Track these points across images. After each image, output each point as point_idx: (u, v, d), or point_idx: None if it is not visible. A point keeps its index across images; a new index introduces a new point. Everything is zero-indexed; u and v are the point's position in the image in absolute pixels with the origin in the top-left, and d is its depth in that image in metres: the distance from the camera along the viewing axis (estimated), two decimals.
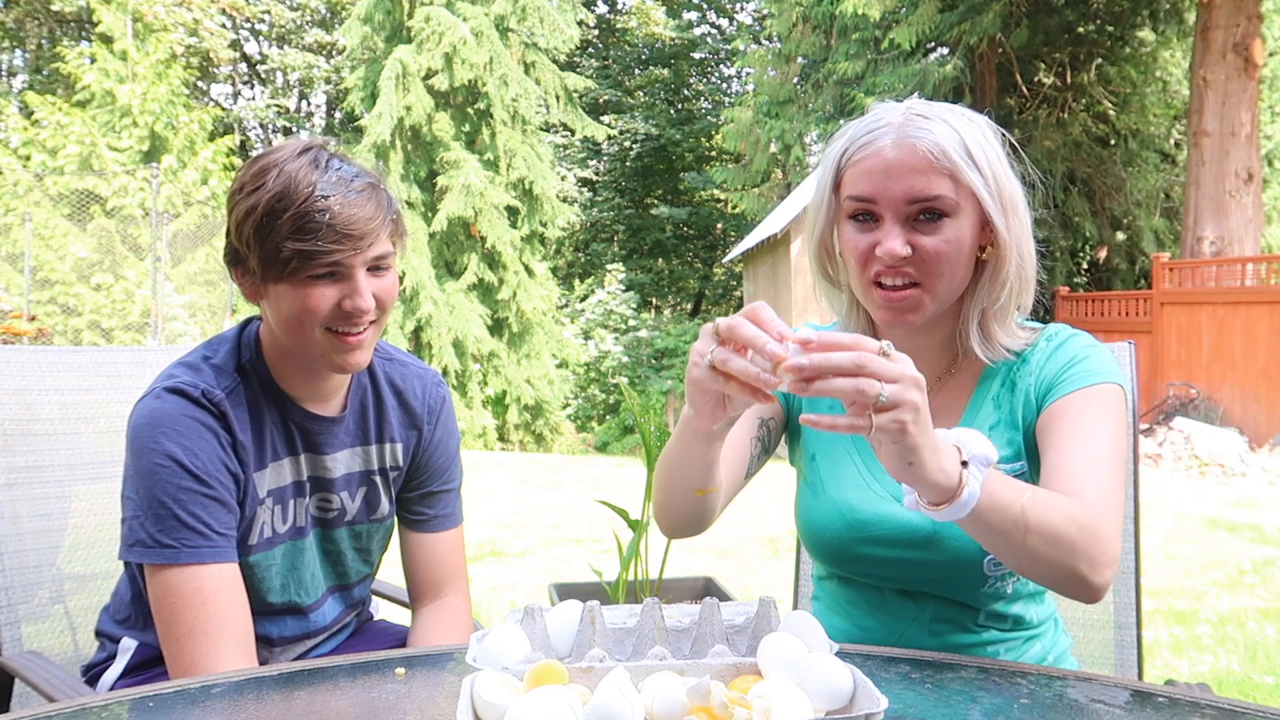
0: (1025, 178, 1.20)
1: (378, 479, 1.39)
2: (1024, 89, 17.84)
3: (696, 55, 29.07)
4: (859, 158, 1.14)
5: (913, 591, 1.24)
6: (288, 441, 1.30)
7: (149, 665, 1.32)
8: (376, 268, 1.22)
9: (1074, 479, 1.06)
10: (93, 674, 1.36)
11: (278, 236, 1.16)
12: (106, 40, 16.74)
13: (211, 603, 1.16)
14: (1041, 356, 1.21)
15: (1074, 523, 0.98)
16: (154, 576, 1.17)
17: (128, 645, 1.33)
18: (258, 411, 1.26)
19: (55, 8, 21.15)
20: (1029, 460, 1.20)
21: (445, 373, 15.93)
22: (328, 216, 1.15)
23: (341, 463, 1.35)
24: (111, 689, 1.31)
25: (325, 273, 1.18)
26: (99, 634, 1.40)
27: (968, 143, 1.12)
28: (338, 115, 26.24)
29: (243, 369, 1.27)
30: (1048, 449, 1.13)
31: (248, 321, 1.33)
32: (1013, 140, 1.20)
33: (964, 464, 0.91)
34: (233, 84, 28.03)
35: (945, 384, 1.26)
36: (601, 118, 23.65)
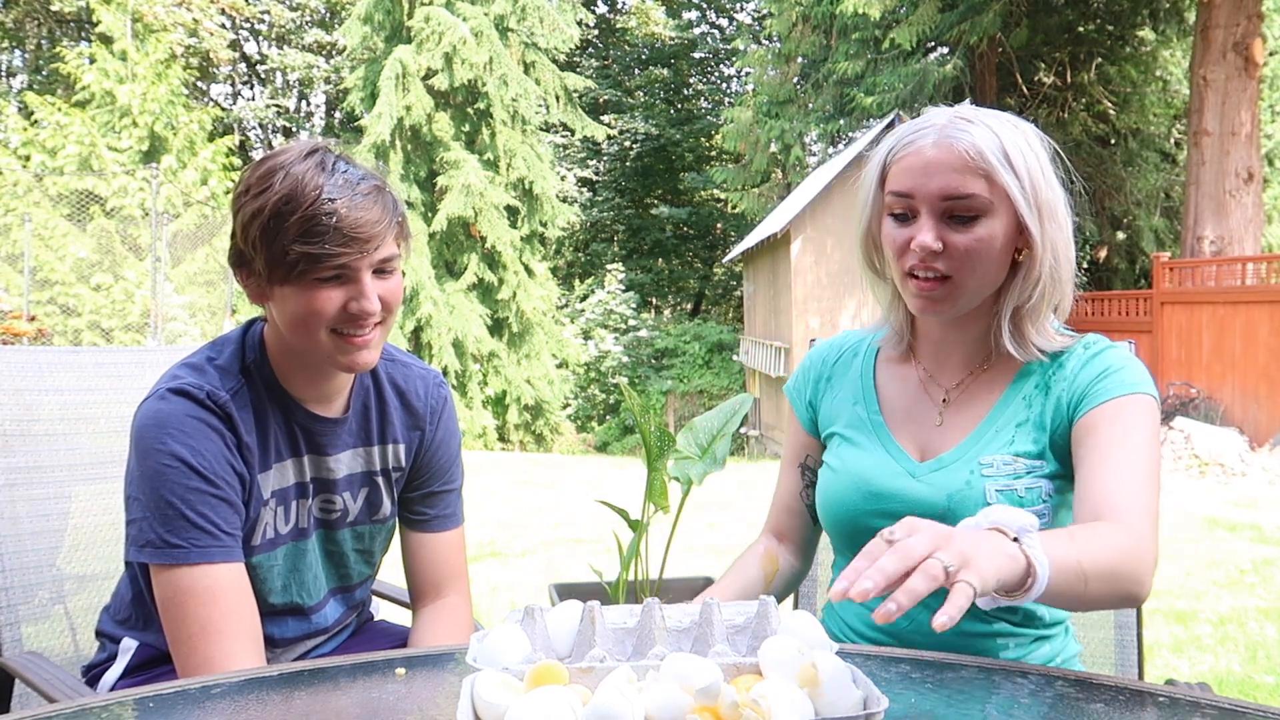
0: (1070, 185, 1.23)
1: (380, 480, 1.39)
2: (1024, 89, 17.85)
3: (696, 55, 29.08)
4: (901, 155, 1.20)
5: None
6: (291, 443, 1.30)
7: (149, 665, 1.32)
8: (382, 270, 1.22)
9: (1110, 492, 1.10)
10: (93, 674, 1.36)
11: (284, 239, 1.14)
12: (106, 40, 16.75)
13: (223, 601, 1.16)
14: (1077, 364, 1.23)
15: (1119, 550, 1.02)
16: (162, 576, 1.17)
17: (128, 645, 1.33)
18: (262, 413, 1.26)
19: (55, 8, 21.15)
20: (1053, 462, 1.22)
21: (445, 373, 15.94)
22: (335, 220, 1.15)
23: (344, 464, 1.35)
24: (112, 689, 1.31)
25: (332, 275, 1.17)
26: (99, 634, 1.40)
27: (1006, 146, 1.16)
28: (338, 115, 26.25)
29: (247, 370, 1.27)
30: (1083, 459, 1.17)
31: (251, 322, 1.33)
32: (1058, 149, 1.23)
33: (1015, 540, 0.92)
34: (232, 84, 28.04)
35: (978, 377, 1.29)
36: (601, 118, 23.66)
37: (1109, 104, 18.03)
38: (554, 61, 18.99)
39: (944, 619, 0.84)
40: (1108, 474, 1.12)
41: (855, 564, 0.85)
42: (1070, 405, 1.21)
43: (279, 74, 27.42)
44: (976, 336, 1.27)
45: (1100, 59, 17.80)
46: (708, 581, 1.33)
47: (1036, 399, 1.24)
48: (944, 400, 1.29)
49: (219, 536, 1.18)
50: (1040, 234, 1.17)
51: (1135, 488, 1.10)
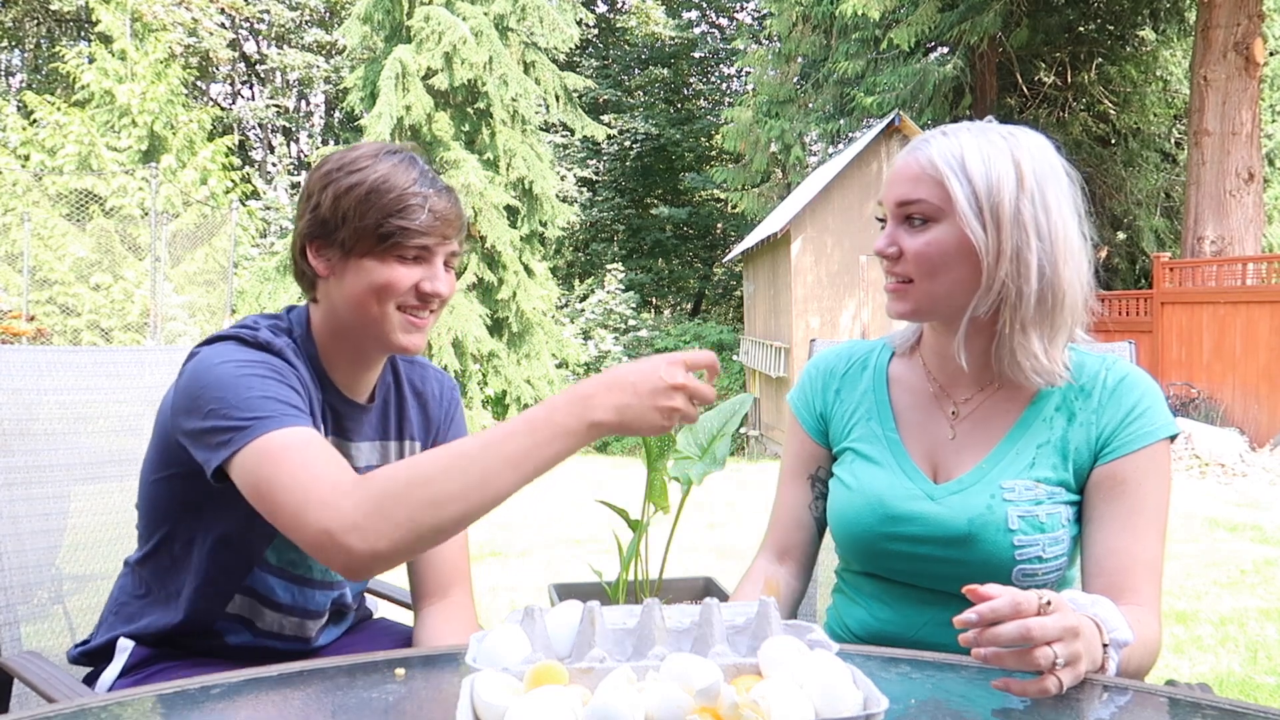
0: (1093, 215, 1.24)
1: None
2: (1024, 89, 17.83)
3: (696, 55, 29.06)
4: (891, 167, 1.27)
5: (938, 591, 1.25)
6: (322, 419, 1.32)
7: (147, 664, 1.33)
8: (448, 263, 1.32)
9: (1130, 571, 1.17)
10: (89, 674, 1.36)
11: (381, 213, 1.23)
12: (105, 40, 16.75)
13: (314, 445, 1.10)
14: (1103, 394, 1.23)
15: (1151, 653, 1.12)
16: (249, 453, 1.09)
17: (125, 645, 1.33)
18: (306, 379, 1.29)
19: (54, 7, 21.14)
20: (1074, 491, 1.23)
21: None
22: (427, 204, 1.25)
23: (364, 453, 1.38)
24: (110, 689, 1.31)
25: (414, 254, 1.26)
26: (97, 634, 1.40)
27: (966, 154, 1.17)
28: (337, 115, 26.25)
29: (293, 340, 1.30)
30: (1103, 517, 1.20)
31: (290, 308, 1.37)
32: (1072, 169, 1.23)
33: (1104, 645, 1.00)
34: (232, 84, 28.03)
35: (991, 395, 1.28)
36: (601, 117, 23.63)
37: (1109, 104, 18.02)
38: (554, 61, 18.97)
39: (1012, 685, 0.92)
40: (1132, 548, 1.17)
41: (995, 607, 0.91)
42: (1096, 444, 1.22)
43: (279, 74, 27.40)
44: (979, 352, 1.26)
45: (1100, 59, 17.79)
46: (708, 581, 1.32)
47: (1058, 421, 1.24)
48: (953, 413, 1.29)
49: (300, 409, 1.16)
50: (989, 242, 1.17)
51: (1152, 564, 1.17)
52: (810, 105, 19.04)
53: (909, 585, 1.28)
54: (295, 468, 1.06)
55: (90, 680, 1.35)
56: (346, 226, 1.24)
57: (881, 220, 1.26)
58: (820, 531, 1.42)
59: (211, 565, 1.30)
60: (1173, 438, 1.22)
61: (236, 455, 1.10)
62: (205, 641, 1.33)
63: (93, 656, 1.36)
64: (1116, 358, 1.28)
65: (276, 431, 1.10)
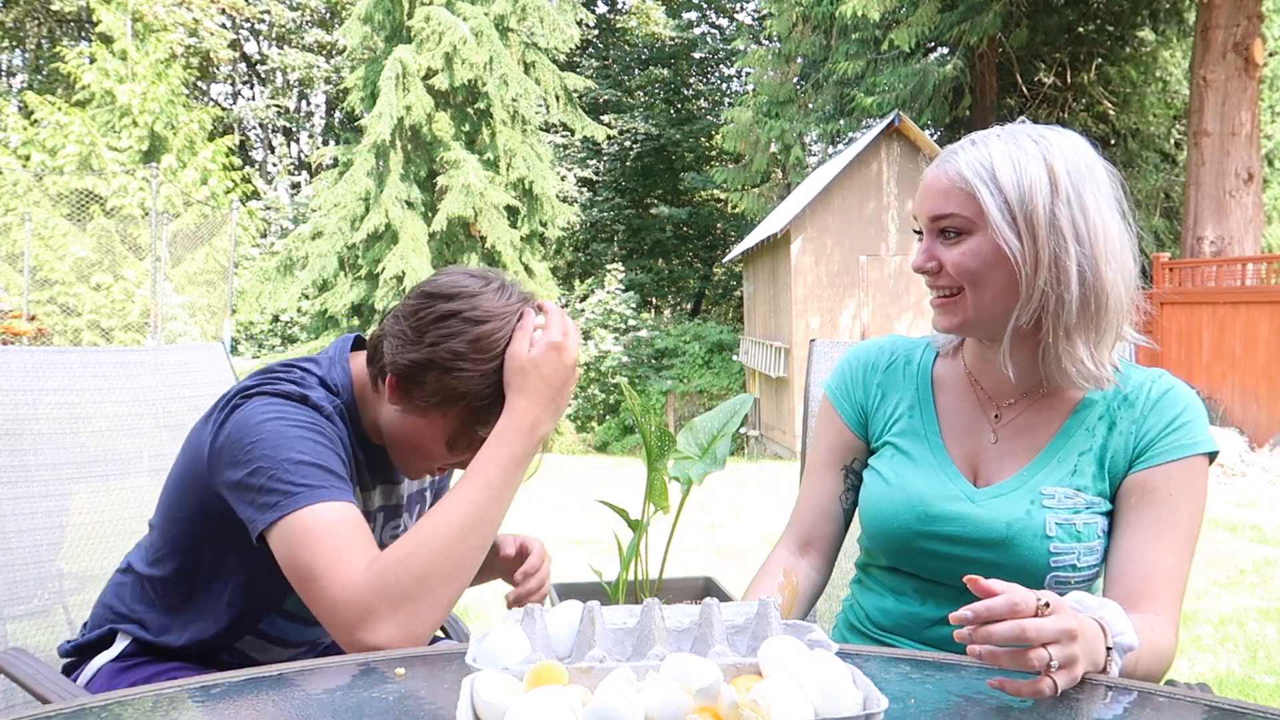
0: (1137, 219, 1.22)
1: (429, 494, 1.51)
2: (1024, 89, 17.85)
3: (696, 55, 29.07)
4: (922, 181, 1.26)
5: (966, 591, 1.25)
6: (370, 473, 1.35)
7: (140, 653, 1.33)
8: None
9: (1151, 579, 1.16)
10: (73, 663, 1.37)
11: (480, 425, 1.23)
12: (106, 40, 16.77)
13: (359, 525, 1.14)
14: (1145, 404, 1.23)
15: (1163, 662, 1.11)
16: (291, 522, 1.12)
17: (124, 638, 1.34)
18: (348, 445, 1.29)
19: (55, 7, 21.16)
20: (1110, 502, 1.22)
21: None
22: None
23: (407, 485, 1.44)
24: (99, 671, 1.32)
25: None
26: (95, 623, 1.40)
27: (995, 163, 1.16)
28: (337, 115, 26.25)
29: (337, 407, 1.29)
30: (1132, 524, 1.19)
31: (333, 360, 1.34)
32: (1110, 165, 1.21)
33: (1108, 648, 0.99)
34: (232, 84, 28.04)
35: (1036, 402, 1.27)
36: (601, 118, 23.65)
37: (1109, 104, 18.03)
38: (554, 61, 18.99)
39: (1006, 685, 0.92)
40: (1156, 556, 1.16)
41: (991, 606, 0.91)
42: (1132, 452, 1.21)
43: (279, 74, 27.42)
44: (1023, 360, 1.23)
45: (1100, 59, 17.81)
46: (708, 581, 1.32)
47: (1100, 430, 1.23)
48: (996, 418, 1.28)
49: (345, 480, 1.18)
50: (1025, 252, 1.15)
51: (1175, 575, 1.16)
52: (810, 105, 19.06)
53: (937, 583, 1.27)
54: (328, 556, 1.10)
55: (75, 668, 1.36)
56: (445, 412, 1.23)
57: (918, 233, 1.25)
58: (847, 524, 1.40)
59: (229, 608, 1.30)
60: (1212, 457, 1.20)
61: (277, 525, 1.13)
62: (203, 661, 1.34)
63: (84, 651, 1.37)
64: (1163, 372, 1.27)
65: (323, 506, 1.13)
